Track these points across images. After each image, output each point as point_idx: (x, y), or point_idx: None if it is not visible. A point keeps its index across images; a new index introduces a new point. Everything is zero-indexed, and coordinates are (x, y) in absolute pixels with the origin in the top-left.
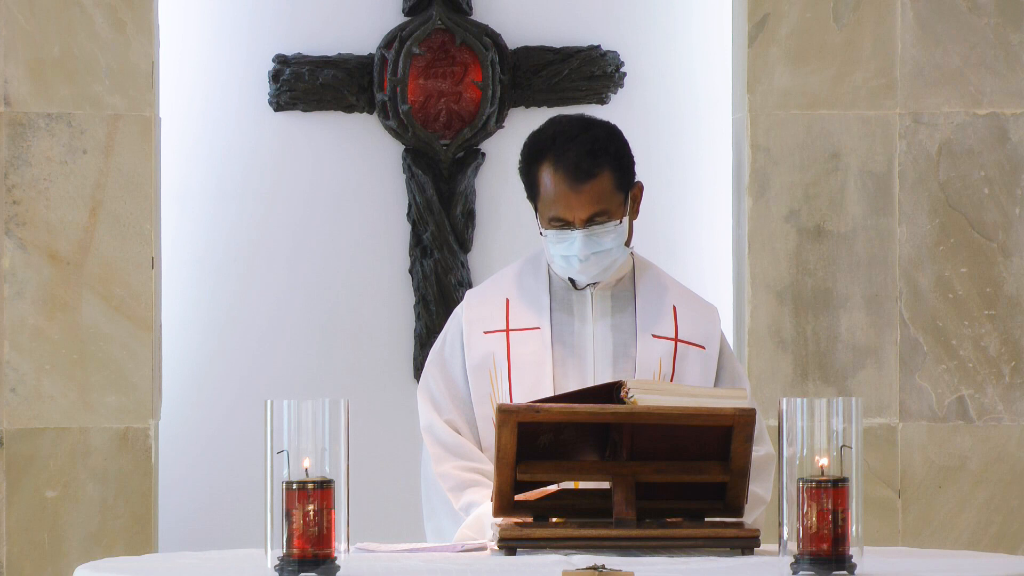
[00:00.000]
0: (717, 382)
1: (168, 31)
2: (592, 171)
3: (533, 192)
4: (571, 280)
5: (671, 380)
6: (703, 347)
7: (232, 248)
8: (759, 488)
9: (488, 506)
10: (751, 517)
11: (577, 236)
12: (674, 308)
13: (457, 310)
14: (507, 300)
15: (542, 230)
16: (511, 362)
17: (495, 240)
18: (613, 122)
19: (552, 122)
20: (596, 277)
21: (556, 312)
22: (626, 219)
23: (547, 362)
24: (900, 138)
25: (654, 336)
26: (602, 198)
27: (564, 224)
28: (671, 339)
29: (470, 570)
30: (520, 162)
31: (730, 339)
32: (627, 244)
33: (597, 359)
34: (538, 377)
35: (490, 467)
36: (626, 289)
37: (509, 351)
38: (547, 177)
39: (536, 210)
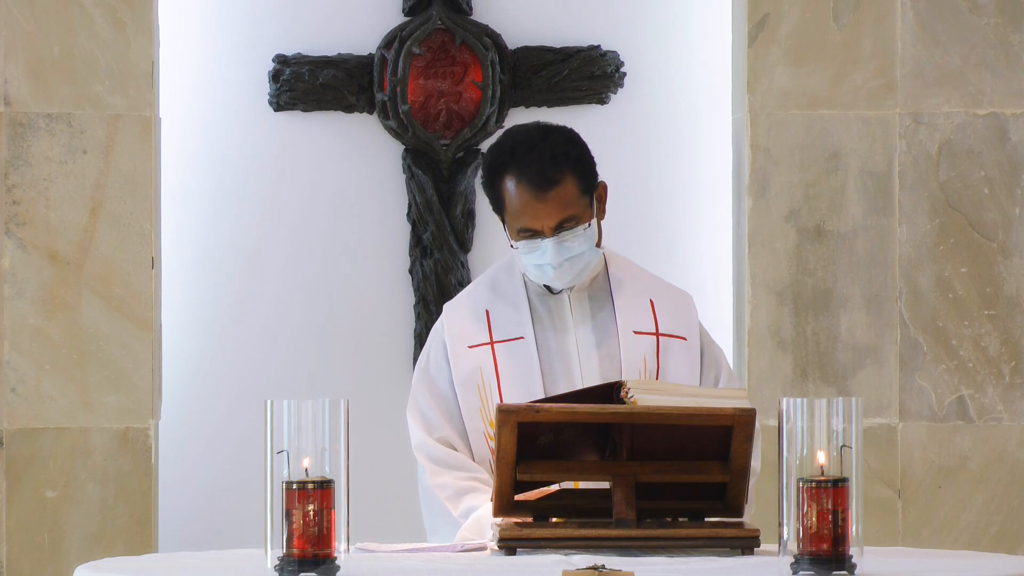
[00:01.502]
0: (700, 368)
1: (168, 31)
2: (555, 178)
3: (499, 206)
4: (547, 286)
5: (656, 375)
6: (685, 338)
7: (232, 248)
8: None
9: (487, 508)
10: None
11: (548, 245)
12: (651, 302)
13: (437, 325)
14: (487, 312)
15: (512, 243)
16: (499, 375)
17: (495, 240)
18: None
19: (509, 133)
20: (571, 282)
21: (537, 319)
22: (594, 221)
23: (535, 371)
24: (900, 138)
25: (635, 332)
26: (568, 203)
27: (533, 234)
28: (652, 334)
29: (470, 570)
30: (482, 177)
31: (730, 339)
32: (597, 245)
33: (583, 362)
34: (528, 387)
35: (487, 477)
36: (602, 288)
37: (496, 364)
38: (511, 189)
39: (504, 223)
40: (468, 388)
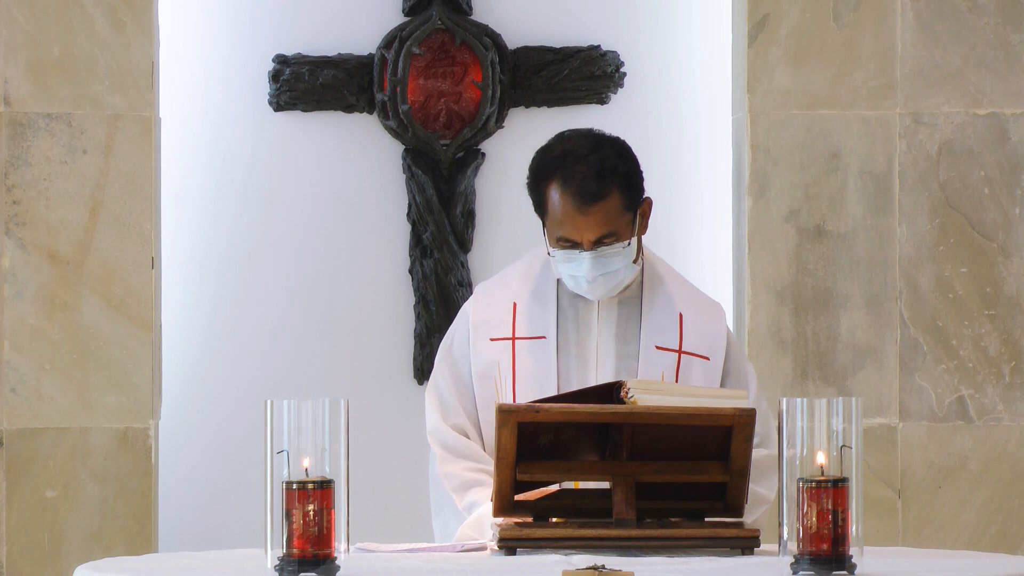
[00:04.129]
0: (724, 384)
1: (168, 31)
2: (600, 193)
3: (541, 209)
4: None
5: None
6: (708, 358)
7: (232, 248)
8: (762, 488)
9: (489, 506)
10: (752, 516)
11: (585, 258)
12: (680, 316)
13: (466, 306)
14: (515, 304)
15: (550, 250)
16: (516, 371)
17: (495, 240)
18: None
19: (560, 139)
20: (603, 296)
21: (562, 320)
22: (634, 240)
23: (552, 372)
24: (900, 138)
25: (658, 348)
26: (610, 220)
27: (572, 245)
28: (675, 351)
29: (470, 570)
30: (528, 178)
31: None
32: (635, 262)
33: (600, 370)
34: (542, 385)
35: (488, 463)
36: (633, 297)
37: (514, 360)
38: (555, 197)
39: (544, 226)
40: (484, 380)
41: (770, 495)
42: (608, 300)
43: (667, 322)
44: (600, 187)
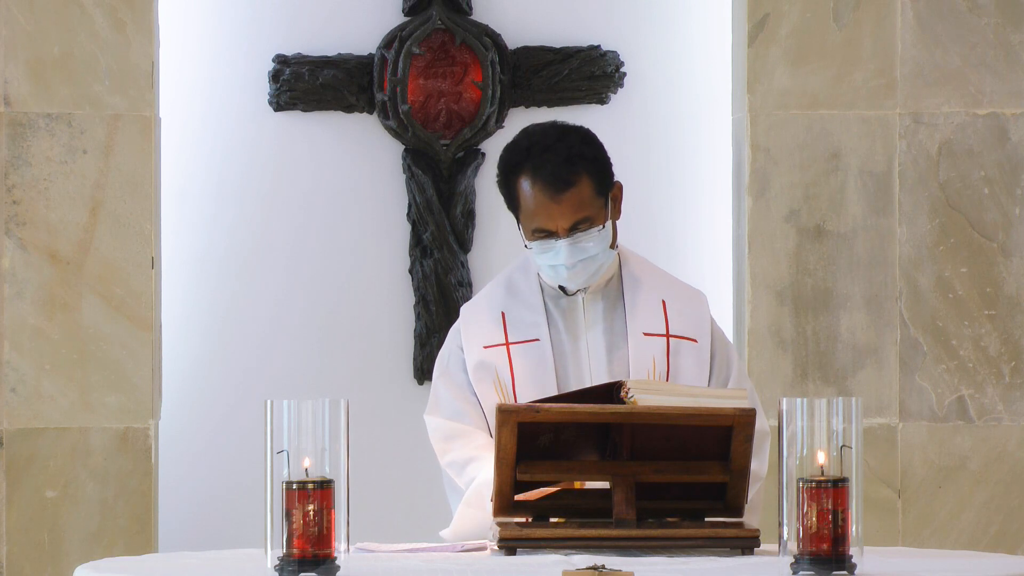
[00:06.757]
0: (710, 369)
1: (168, 31)
2: (570, 179)
3: (514, 205)
4: (561, 287)
5: (667, 376)
6: (695, 340)
7: (232, 248)
8: (754, 463)
9: (484, 474)
10: (748, 495)
11: (561, 245)
12: (663, 303)
13: (454, 327)
14: (503, 313)
15: (526, 242)
16: (514, 375)
17: (495, 240)
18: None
19: (525, 133)
20: (585, 283)
21: (551, 321)
22: (609, 223)
23: (549, 373)
24: (900, 138)
25: (646, 334)
26: (583, 205)
27: (548, 235)
28: (663, 335)
29: (470, 570)
30: (497, 176)
31: (730, 339)
32: (612, 246)
33: (592, 363)
34: (541, 388)
35: (484, 439)
36: (615, 289)
37: (511, 364)
38: (526, 189)
39: (519, 222)
40: (484, 384)
41: (762, 470)
42: (592, 296)
43: (651, 309)
44: (569, 173)
